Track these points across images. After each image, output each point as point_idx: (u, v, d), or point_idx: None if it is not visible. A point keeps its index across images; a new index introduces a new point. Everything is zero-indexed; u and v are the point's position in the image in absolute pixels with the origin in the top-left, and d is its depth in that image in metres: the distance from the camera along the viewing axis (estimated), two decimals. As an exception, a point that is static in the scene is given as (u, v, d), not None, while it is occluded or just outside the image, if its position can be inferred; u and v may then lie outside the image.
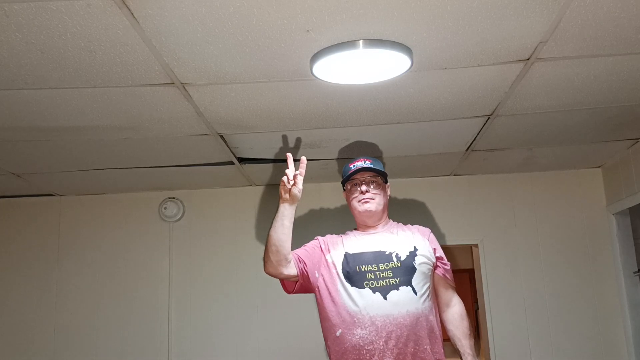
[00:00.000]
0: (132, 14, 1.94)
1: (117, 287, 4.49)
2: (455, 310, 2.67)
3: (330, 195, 4.49)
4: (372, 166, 2.67)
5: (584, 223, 4.45)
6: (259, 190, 4.60)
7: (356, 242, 2.66)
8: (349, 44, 2.20)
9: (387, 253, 2.57)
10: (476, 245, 4.53)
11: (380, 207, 2.69)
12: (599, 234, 4.42)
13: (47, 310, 4.48)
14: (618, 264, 4.31)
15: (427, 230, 2.76)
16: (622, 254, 4.29)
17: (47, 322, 4.47)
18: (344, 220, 4.49)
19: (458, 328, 2.63)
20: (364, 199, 2.66)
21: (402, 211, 4.46)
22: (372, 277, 2.50)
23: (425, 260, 2.58)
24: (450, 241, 4.45)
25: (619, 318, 4.27)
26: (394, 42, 2.22)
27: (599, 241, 4.41)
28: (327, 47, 2.24)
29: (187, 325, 4.43)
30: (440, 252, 2.70)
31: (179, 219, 4.58)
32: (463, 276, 10.72)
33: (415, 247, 2.60)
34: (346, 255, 2.60)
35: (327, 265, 2.60)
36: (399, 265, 2.53)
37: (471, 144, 3.70)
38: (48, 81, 2.45)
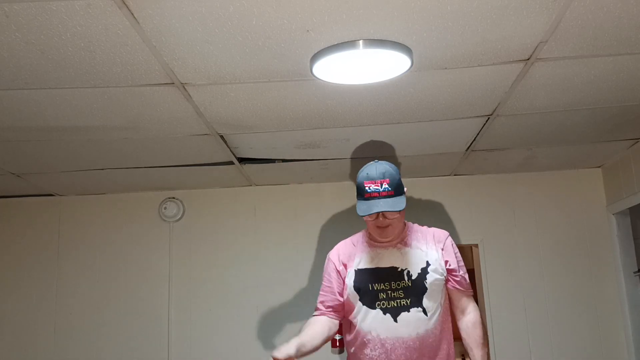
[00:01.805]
0: (132, 14, 1.94)
1: (117, 287, 4.50)
2: (469, 318, 2.59)
3: (331, 195, 4.49)
4: (392, 208, 2.40)
5: (584, 223, 4.45)
6: (259, 190, 4.60)
7: (369, 257, 2.57)
8: (349, 44, 2.20)
9: (399, 270, 2.51)
10: (476, 245, 4.54)
11: (398, 229, 2.55)
12: (599, 234, 4.42)
13: (47, 310, 4.48)
14: (618, 264, 4.31)
15: (443, 236, 2.62)
16: (622, 254, 4.30)
17: (47, 322, 4.47)
18: (344, 220, 4.50)
19: (470, 336, 2.57)
20: (382, 226, 2.50)
21: (402, 211, 4.46)
22: (384, 296, 2.47)
23: (437, 276, 2.51)
24: (450, 241, 4.44)
25: (619, 318, 4.28)
26: (394, 42, 2.22)
27: (599, 241, 4.41)
28: (327, 47, 2.24)
29: (187, 325, 4.43)
30: (453, 263, 2.57)
31: (179, 219, 4.59)
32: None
33: (427, 262, 2.52)
34: (359, 271, 2.54)
35: (346, 287, 2.56)
36: (410, 285, 2.47)
37: (471, 144, 3.70)
38: (48, 81, 2.45)
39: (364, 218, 2.51)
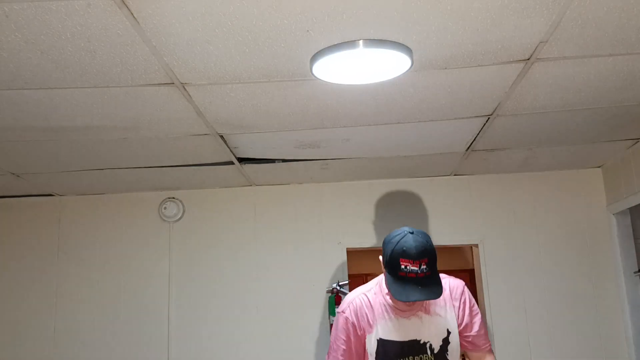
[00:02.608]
0: (132, 14, 1.94)
1: (117, 287, 4.50)
2: None
3: (330, 195, 4.49)
4: (433, 297, 2.24)
5: (584, 223, 4.45)
6: (259, 190, 4.60)
7: (391, 326, 2.45)
8: (349, 44, 2.20)
9: (421, 342, 2.44)
10: (476, 245, 4.54)
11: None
12: (599, 234, 4.42)
13: (47, 310, 4.48)
14: (618, 264, 4.31)
15: (459, 291, 2.50)
16: (622, 254, 4.30)
17: (47, 322, 4.47)
18: (344, 221, 4.50)
19: None
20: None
21: (403, 211, 4.47)
22: None
23: (457, 343, 2.47)
24: (450, 241, 4.45)
25: (619, 318, 4.28)
26: (394, 42, 2.22)
27: (599, 241, 4.41)
28: (327, 47, 2.24)
29: (187, 325, 4.43)
30: (466, 322, 2.48)
31: (179, 219, 4.59)
32: (463, 276, 10.72)
33: (447, 330, 2.45)
34: (382, 342, 2.44)
35: (367, 355, 2.48)
36: (433, 359, 2.43)
37: (471, 144, 3.70)
38: (48, 81, 2.45)
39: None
